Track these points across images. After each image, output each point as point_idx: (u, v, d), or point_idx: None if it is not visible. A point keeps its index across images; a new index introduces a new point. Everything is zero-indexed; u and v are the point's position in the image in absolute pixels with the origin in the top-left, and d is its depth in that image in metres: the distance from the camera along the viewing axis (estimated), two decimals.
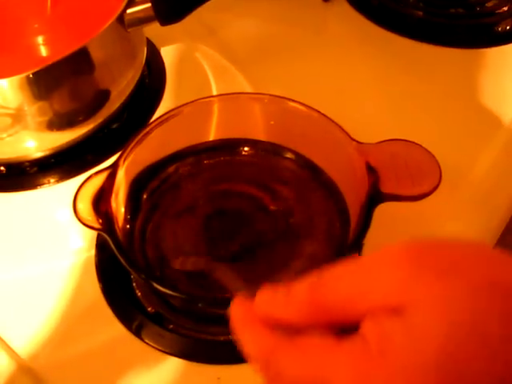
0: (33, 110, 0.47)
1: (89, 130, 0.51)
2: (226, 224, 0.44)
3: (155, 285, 0.36)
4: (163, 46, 0.62)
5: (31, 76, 0.44)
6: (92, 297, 0.43)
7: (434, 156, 0.40)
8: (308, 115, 0.43)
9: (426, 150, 0.40)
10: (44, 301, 0.43)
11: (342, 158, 0.42)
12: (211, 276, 0.39)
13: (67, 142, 0.51)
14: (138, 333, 0.41)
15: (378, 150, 0.40)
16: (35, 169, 0.52)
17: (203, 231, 0.43)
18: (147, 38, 0.57)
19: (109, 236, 0.38)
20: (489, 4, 0.65)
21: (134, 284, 0.43)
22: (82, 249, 0.46)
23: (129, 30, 0.50)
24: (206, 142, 0.47)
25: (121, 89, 0.52)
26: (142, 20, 0.50)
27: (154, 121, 0.44)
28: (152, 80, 0.58)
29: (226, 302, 0.36)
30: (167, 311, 0.41)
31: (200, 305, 0.36)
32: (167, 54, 0.61)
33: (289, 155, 0.46)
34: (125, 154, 0.42)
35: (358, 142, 0.41)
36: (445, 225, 0.46)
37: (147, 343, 0.40)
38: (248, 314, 0.26)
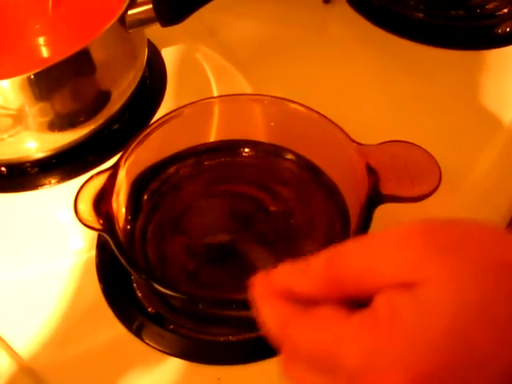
0: (34, 111, 0.47)
1: (90, 131, 0.51)
2: (226, 225, 0.44)
3: (156, 285, 0.36)
4: (164, 47, 0.62)
5: (32, 77, 0.44)
6: (92, 297, 0.43)
7: (433, 157, 0.40)
8: (308, 116, 0.43)
9: (426, 151, 0.40)
10: (45, 301, 0.43)
11: (343, 159, 0.42)
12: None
13: (68, 143, 0.51)
14: (138, 333, 0.41)
15: (378, 152, 0.40)
16: (36, 169, 0.52)
17: (204, 232, 0.43)
18: (148, 39, 0.57)
19: (109, 236, 0.38)
20: (489, 6, 0.65)
21: (135, 284, 0.43)
22: (83, 249, 0.46)
23: (130, 31, 0.50)
24: (206, 143, 0.47)
25: (122, 90, 0.52)
26: (143, 21, 0.50)
27: (155, 122, 0.44)
28: (153, 81, 0.59)
29: (226, 303, 0.36)
30: (167, 312, 0.41)
31: (200, 305, 0.36)
32: (168, 55, 0.61)
33: (289, 156, 0.46)
34: (126, 155, 0.42)
35: (358, 143, 0.41)
36: None
37: (147, 343, 0.40)
38: (268, 288, 0.26)
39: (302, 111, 0.44)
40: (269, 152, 0.47)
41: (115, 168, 0.41)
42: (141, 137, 0.43)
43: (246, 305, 0.36)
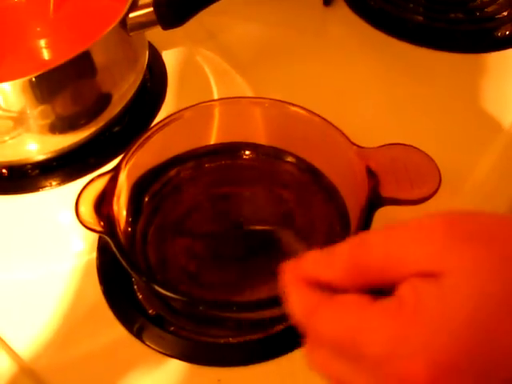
0: (35, 113, 0.47)
1: (91, 134, 0.51)
2: (226, 227, 0.44)
3: (156, 287, 0.36)
4: (165, 49, 0.62)
5: (34, 79, 0.44)
6: (93, 299, 0.43)
7: (433, 160, 0.40)
8: (308, 119, 0.44)
9: (425, 154, 0.40)
10: (46, 303, 0.43)
11: (343, 161, 0.42)
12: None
13: (69, 145, 0.51)
14: (138, 335, 0.41)
15: (378, 154, 0.40)
16: (37, 171, 0.52)
17: (205, 233, 0.43)
18: (149, 42, 0.58)
19: (110, 238, 0.38)
20: (488, 9, 0.65)
21: (135, 286, 0.43)
22: (84, 251, 0.46)
23: (131, 33, 0.50)
24: (207, 146, 0.47)
25: (122, 92, 0.52)
26: (144, 24, 0.50)
27: (156, 124, 0.44)
28: (153, 84, 0.59)
29: (227, 305, 0.36)
30: (168, 313, 0.41)
31: (201, 307, 0.36)
32: (169, 57, 0.61)
33: (289, 159, 0.46)
34: (126, 158, 0.42)
35: (358, 146, 0.41)
36: None
37: (148, 345, 0.40)
38: (296, 276, 0.26)
39: (302, 114, 0.44)
40: (269, 155, 0.47)
41: (116, 170, 0.41)
42: (142, 139, 0.43)
43: (246, 307, 0.36)
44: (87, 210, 0.39)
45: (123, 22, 0.49)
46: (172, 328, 0.41)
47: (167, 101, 0.57)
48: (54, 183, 0.51)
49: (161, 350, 0.40)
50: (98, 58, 0.48)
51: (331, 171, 0.44)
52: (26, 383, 0.40)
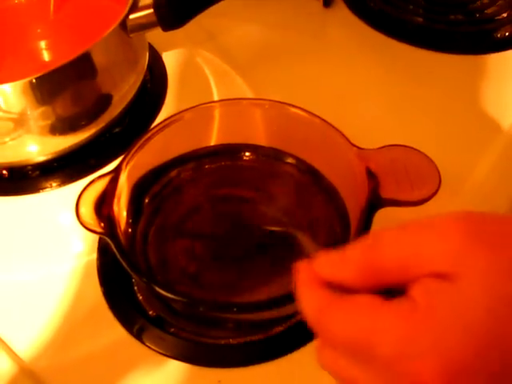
0: (35, 115, 0.47)
1: (91, 135, 0.51)
2: (227, 228, 0.44)
3: (157, 288, 0.36)
4: (165, 51, 0.62)
5: (34, 81, 0.44)
6: (93, 300, 0.43)
7: (433, 161, 0.40)
8: (309, 121, 0.44)
9: (425, 155, 0.40)
10: (46, 304, 0.43)
11: (343, 163, 0.42)
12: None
13: (69, 146, 0.51)
14: (139, 336, 0.41)
15: (378, 156, 0.41)
16: (37, 173, 0.52)
17: (205, 234, 0.43)
18: (149, 44, 0.58)
19: (111, 240, 0.38)
20: (488, 10, 0.65)
21: (136, 287, 0.43)
22: (84, 252, 0.46)
23: (131, 35, 0.51)
24: (207, 147, 0.47)
25: (123, 93, 0.53)
26: (144, 25, 0.51)
27: (156, 126, 0.44)
28: (154, 85, 0.59)
29: (227, 306, 0.36)
30: (168, 315, 0.41)
31: (201, 308, 0.36)
32: (169, 59, 0.61)
33: (289, 160, 0.46)
34: (127, 159, 0.42)
35: (358, 147, 0.41)
36: None
37: (148, 346, 0.40)
38: (309, 275, 0.26)
39: (302, 115, 0.44)
40: (269, 156, 0.47)
41: (116, 171, 0.41)
42: (142, 140, 0.43)
43: (246, 308, 0.36)
44: (87, 211, 0.39)
45: (123, 24, 0.49)
46: (172, 329, 0.41)
47: (167, 102, 0.57)
48: (54, 184, 0.51)
49: (161, 351, 0.40)
50: (99, 60, 0.48)
51: (331, 172, 0.44)
52: None
